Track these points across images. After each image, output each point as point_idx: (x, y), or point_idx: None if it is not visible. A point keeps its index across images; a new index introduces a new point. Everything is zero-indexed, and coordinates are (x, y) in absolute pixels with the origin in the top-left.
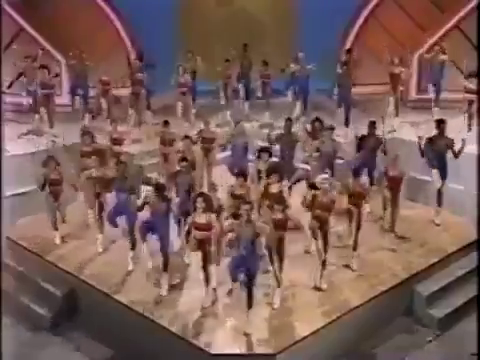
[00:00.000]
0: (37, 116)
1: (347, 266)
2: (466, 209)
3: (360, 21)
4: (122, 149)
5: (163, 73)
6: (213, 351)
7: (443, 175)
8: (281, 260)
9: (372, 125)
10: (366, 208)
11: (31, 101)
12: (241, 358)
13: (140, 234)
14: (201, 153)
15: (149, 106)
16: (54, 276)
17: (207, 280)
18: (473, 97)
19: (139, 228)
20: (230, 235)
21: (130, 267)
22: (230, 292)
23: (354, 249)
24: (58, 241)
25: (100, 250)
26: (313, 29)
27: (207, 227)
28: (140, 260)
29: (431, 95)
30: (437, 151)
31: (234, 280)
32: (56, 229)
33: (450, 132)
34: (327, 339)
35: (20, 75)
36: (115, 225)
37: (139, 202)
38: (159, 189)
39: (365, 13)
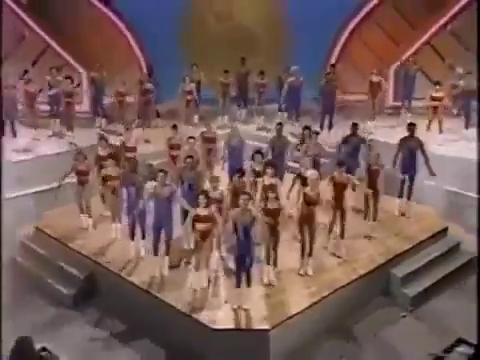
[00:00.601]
0: (58, 121)
1: (334, 254)
2: (435, 202)
3: (345, 37)
4: (135, 155)
5: (170, 82)
6: (215, 326)
7: (414, 172)
8: (276, 244)
9: (354, 126)
10: (350, 201)
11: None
12: (239, 332)
13: (154, 235)
14: (204, 152)
15: (158, 113)
16: (76, 261)
17: (206, 265)
18: (438, 104)
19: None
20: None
21: (142, 253)
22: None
23: (341, 237)
24: (88, 225)
25: (119, 237)
26: (303, 43)
27: (208, 219)
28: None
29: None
30: (409, 149)
31: (239, 269)
32: (82, 212)
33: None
34: (314, 316)
35: (50, 86)
36: (133, 227)
37: (147, 192)
38: (163, 173)
39: (349, 30)
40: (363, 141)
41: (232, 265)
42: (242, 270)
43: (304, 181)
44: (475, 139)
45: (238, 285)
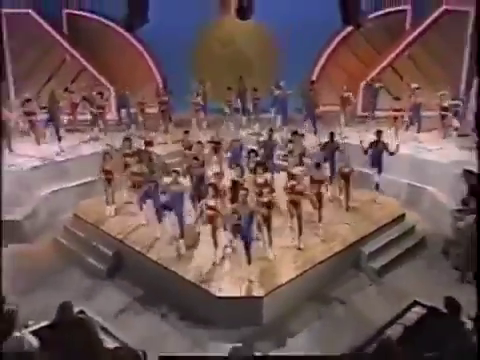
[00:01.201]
0: (96, 128)
1: (316, 234)
2: (396, 192)
3: (323, 60)
4: (153, 149)
5: (182, 96)
6: (218, 294)
7: (380, 169)
8: (269, 229)
9: (331, 135)
10: (328, 193)
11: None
12: (238, 299)
13: (158, 214)
14: (212, 152)
15: (170, 119)
16: (106, 241)
17: (215, 244)
18: (398, 114)
19: (157, 209)
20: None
21: (158, 235)
22: (228, 248)
23: (319, 221)
24: (111, 213)
25: (144, 222)
26: (290, 64)
27: (215, 207)
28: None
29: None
30: (376, 152)
31: (247, 247)
32: (108, 204)
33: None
34: (298, 286)
35: (84, 99)
36: (141, 207)
37: (164, 185)
38: (177, 174)
39: (327, 54)
40: (338, 147)
41: (235, 245)
42: (245, 248)
43: (292, 176)
44: (422, 141)
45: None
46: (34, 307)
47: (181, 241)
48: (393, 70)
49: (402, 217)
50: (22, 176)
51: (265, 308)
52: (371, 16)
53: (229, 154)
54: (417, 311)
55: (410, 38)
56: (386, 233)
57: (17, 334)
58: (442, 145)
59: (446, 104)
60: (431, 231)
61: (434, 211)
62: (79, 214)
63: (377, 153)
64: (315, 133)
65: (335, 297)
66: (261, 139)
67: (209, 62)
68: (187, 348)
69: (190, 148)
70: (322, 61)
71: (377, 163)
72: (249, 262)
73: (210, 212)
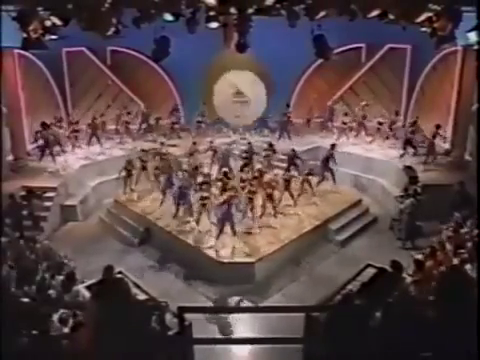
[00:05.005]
0: (124, 136)
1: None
2: (354, 183)
3: (301, 83)
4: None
5: (194, 111)
6: (221, 260)
7: (334, 165)
8: (252, 210)
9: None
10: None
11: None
12: (236, 264)
13: (174, 199)
14: (211, 154)
15: (183, 130)
16: (137, 218)
17: (212, 223)
18: (345, 127)
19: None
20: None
21: (173, 214)
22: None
23: (294, 205)
24: (135, 198)
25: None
26: (276, 86)
27: (207, 197)
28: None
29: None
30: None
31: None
32: (132, 191)
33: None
34: (280, 254)
35: (117, 116)
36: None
37: (179, 180)
38: (185, 171)
39: (304, 79)
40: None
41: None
42: (224, 226)
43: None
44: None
45: (218, 236)
46: (85, 267)
47: (190, 218)
48: (352, 91)
49: (359, 202)
50: (75, 172)
51: (256, 271)
52: (336, 51)
53: (220, 156)
54: (370, 271)
55: (365, 68)
56: (347, 214)
57: (75, 288)
58: (379, 147)
59: (381, 120)
60: (381, 212)
61: (382, 197)
62: (118, 200)
63: (330, 156)
64: (289, 139)
65: (309, 262)
66: (246, 145)
67: (214, 85)
68: (197, 300)
69: (192, 154)
70: (300, 84)
71: (333, 162)
72: (234, 234)
73: (203, 201)
